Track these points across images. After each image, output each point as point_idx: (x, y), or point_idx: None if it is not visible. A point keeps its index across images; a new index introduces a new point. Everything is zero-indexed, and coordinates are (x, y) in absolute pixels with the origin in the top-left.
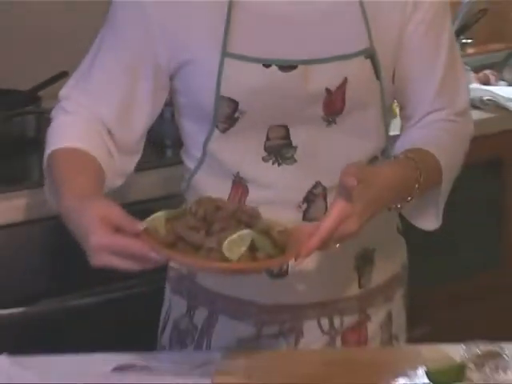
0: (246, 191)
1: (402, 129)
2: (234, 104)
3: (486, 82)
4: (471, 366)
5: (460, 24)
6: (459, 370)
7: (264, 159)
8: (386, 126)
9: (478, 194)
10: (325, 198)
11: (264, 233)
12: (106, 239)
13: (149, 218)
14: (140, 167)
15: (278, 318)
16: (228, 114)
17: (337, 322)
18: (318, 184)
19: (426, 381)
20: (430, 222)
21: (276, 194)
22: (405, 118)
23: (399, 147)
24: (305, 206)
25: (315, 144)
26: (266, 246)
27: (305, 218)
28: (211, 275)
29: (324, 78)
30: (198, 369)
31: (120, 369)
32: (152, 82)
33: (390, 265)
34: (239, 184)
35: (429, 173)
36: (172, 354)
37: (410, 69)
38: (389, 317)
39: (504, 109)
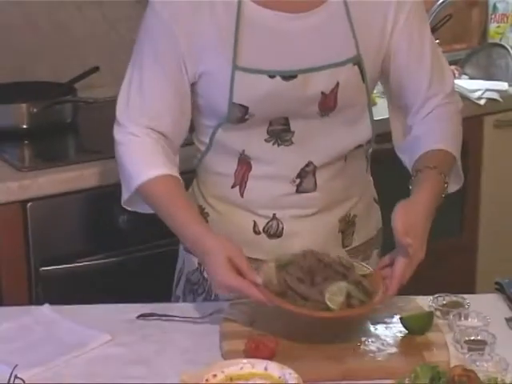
0: (249, 167)
1: (390, 115)
2: (245, 109)
3: None
4: (438, 313)
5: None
6: (428, 317)
7: (266, 140)
8: (371, 119)
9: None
10: (314, 175)
11: (356, 283)
12: (230, 282)
13: (263, 268)
14: None
15: None
16: (239, 117)
17: None
18: (309, 163)
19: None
20: (456, 184)
21: (275, 170)
22: (404, 109)
23: (409, 148)
24: (298, 180)
25: (310, 131)
26: (359, 295)
27: (297, 190)
28: None
29: (320, 83)
30: (209, 317)
31: (143, 316)
32: (188, 89)
33: (367, 229)
34: (244, 161)
35: (448, 166)
36: (186, 305)
37: (404, 63)
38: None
39: (467, 98)
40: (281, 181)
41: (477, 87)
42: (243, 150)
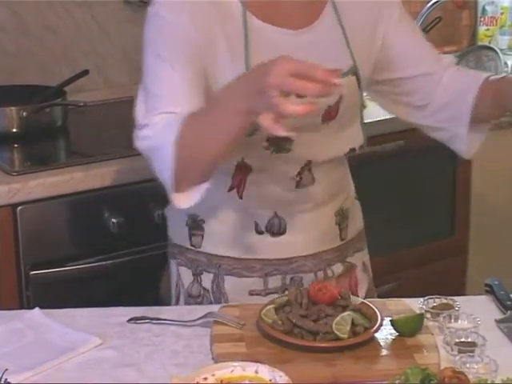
0: (248, 171)
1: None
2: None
3: None
4: (428, 316)
5: None
6: (418, 319)
7: (265, 148)
8: (362, 124)
9: (437, 178)
10: (310, 170)
11: (357, 310)
12: (292, 64)
13: (263, 312)
14: None
15: (280, 269)
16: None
17: (329, 272)
18: (308, 162)
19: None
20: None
21: (274, 172)
22: (415, 93)
23: (453, 102)
24: (298, 177)
25: (308, 138)
26: (362, 321)
27: (297, 186)
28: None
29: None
30: (200, 320)
31: (134, 320)
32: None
33: (357, 222)
34: (242, 166)
35: None
36: (177, 308)
37: (406, 55)
38: (364, 265)
39: None
40: (280, 180)
41: None
42: (242, 158)
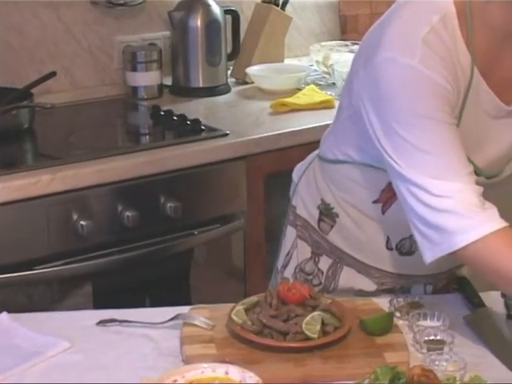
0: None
1: None
2: None
3: None
4: (397, 314)
5: None
6: (388, 319)
7: None
8: None
9: None
10: None
11: (327, 310)
12: None
13: (232, 312)
14: None
15: (395, 281)
16: None
17: (437, 285)
18: None
19: None
20: None
21: None
22: None
23: None
24: None
25: None
26: (332, 321)
27: None
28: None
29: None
30: (170, 322)
31: (103, 323)
32: None
33: None
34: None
35: None
36: (146, 310)
37: None
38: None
39: None
40: None
41: None
42: None
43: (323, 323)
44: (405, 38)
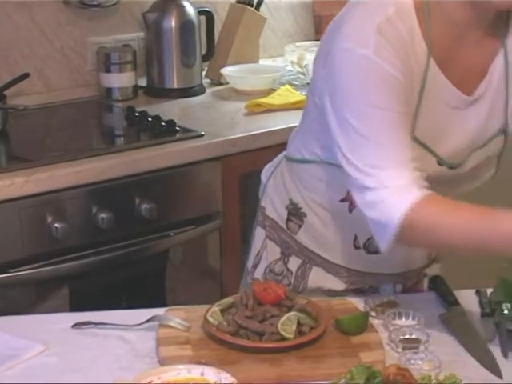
0: None
1: None
2: None
3: None
4: (373, 314)
5: None
6: (363, 318)
7: None
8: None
9: None
10: None
11: (303, 310)
12: None
13: (208, 313)
14: None
15: (364, 280)
16: None
17: (406, 285)
18: None
19: None
20: None
21: None
22: None
23: None
24: None
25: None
26: (307, 321)
27: None
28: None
29: (476, 160)
30: (146, 323)
31: (78, 325)
32: None
33: None
34: None
35: None
36: (122, 312)
37: None
38: (434, 278)
39: None
40: None
41: None
42: None
43: (299, 323)
44: (360, 29)
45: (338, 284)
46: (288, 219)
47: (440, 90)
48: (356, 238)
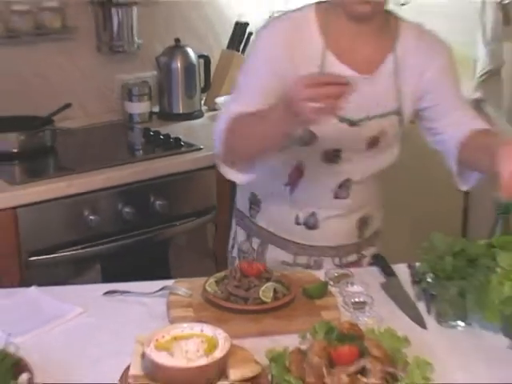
0: (302, 174)
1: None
2: (314, 137)
3: None
4: (331, 283)
5: None
6: (324, 286)
7: (320, 159)
8: (399, 147)
9: None
10: (348, 187)
11: (278, 281)
12: (309, 90)
13: (206, 284)
14: None
15: (307, 252)
16: (307, 141)
17: (344, 260)
18: (347, 179)
19: None
20: None
21: (321, 180)
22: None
23: (458, 136)
24: (336, 190)
25: (354, 158)
26: (282, 289)
27: (334, 197)
28: (264, 219)
29: (371, 129)
30: (159, 292)
31: (108, 293)
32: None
33: (376, 223)
34: (299, 168)
35: None
36: (141, 283)
37: (442, 102)
38: (375, 256)
39: None
40: (323, 188)
41: None
42: (301, 162)
43: (275, 291)
44: (268, 24)
45: (288, 257)
46: (250, 207)
47: (337, 70)
48: (297, 216)
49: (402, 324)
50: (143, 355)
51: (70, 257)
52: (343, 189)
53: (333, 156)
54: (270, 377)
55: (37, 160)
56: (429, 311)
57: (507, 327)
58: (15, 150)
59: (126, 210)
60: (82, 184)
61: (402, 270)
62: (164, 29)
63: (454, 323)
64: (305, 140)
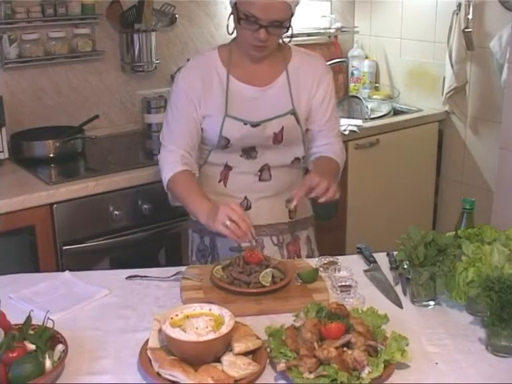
0: (230, 169)
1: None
2: (228, 140)
3: None
4: (321, 269)
5: None
6: (315, 272)
7: (240, 156)
8: (304, 143)
9: None
10: (269, 170)
11: (275, 267)
12: (231, 208)
13: (214, 270)
14: None
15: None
16: (224, 145)
17: (280, 238)
18: (266, 164)
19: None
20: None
21: (245, 170)
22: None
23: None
24: (259, 174)
25: (267, 151)
26: (279, 274)
27: (259, 179)
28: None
29: (272, 128)
30: (173, 276)
31: (130, 277)
32: (199, 126)
33: (304, 210)
34: (227, 166)
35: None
36: (158, 269)
37: (316, 116)
38: (308, 238)
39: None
40: (249, 175)
41: (343, 123)
42: (226, 162)
43: (273, 276)
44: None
45: (233, 242)
46: None
47: (239, 88)
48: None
49: (382, 304)
50: (160, 331)
51: (96, 246)
52: (265, 172)
53: (250, 152)
54: (268, 349)
55: (69, 163)
56: (405, 293)
57: (471, 306)
58: (51, 155)
59: (145, 206)
60: (108, 184)
61: (381, 258)
62: (178, 51)
63: (426, 303)
64: (222, 145)
